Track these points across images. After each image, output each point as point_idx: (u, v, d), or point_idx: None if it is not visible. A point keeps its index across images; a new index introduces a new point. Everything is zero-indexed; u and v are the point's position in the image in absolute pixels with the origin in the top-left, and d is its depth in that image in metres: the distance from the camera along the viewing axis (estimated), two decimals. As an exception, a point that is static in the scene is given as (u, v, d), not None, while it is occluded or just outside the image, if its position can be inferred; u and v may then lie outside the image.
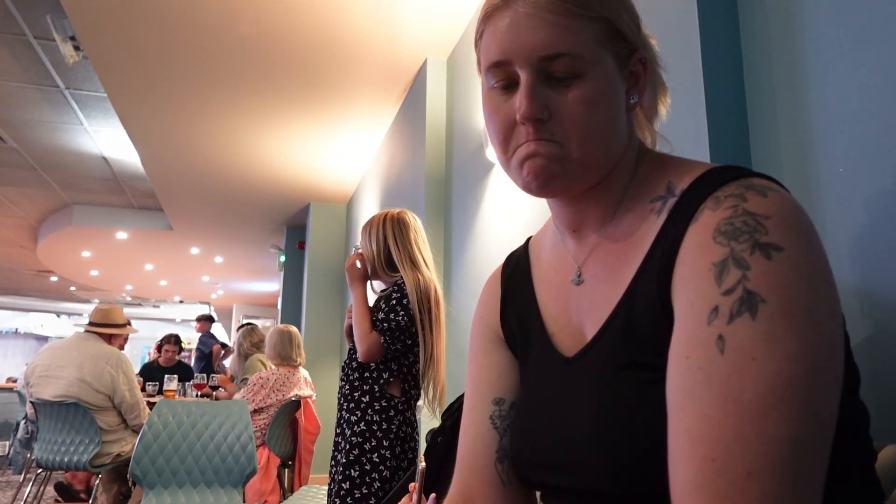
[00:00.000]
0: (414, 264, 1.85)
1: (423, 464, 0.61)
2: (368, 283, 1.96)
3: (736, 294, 0.44)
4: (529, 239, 0.76)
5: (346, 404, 1.82)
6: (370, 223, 1.94)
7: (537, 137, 0.56)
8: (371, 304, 1.89)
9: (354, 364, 1.85)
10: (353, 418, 1.78)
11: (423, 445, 1.95)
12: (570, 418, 0.56)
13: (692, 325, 0.46)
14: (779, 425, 0.40)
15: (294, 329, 3.57)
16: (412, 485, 0.64)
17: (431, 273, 1.89)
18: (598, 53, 0.56)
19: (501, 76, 0.58)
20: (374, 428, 1.75)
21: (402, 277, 1.83)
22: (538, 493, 0.68)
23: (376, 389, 1.79)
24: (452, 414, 1.15)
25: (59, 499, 3.85)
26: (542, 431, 0.60)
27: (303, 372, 3.55)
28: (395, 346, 1.78)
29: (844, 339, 0.48)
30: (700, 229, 0.49)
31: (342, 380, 1.89)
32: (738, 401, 0.41)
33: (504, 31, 0.57)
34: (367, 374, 1.81)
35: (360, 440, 1.74)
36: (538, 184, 0.57)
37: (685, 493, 0.42)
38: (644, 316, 0.53)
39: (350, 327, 1.86)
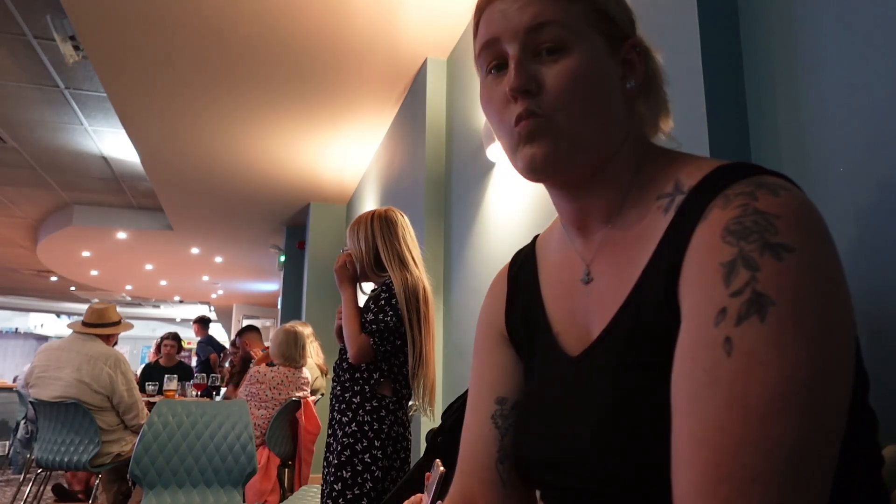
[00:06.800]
0: (402, 263, 1.84)
1: (443, 468, 0.59)
2: (358, 284, 1.94)
3: (744, 296, 0.43)
4: (537, 237, 0.75)
5: (337, 405, 1.82)
6: (357, 223, 1.91)
7: (528, 113, 0.56)
8: (361, 304, 1.88)
9: (345, 365, 1.84)
10: (345, 419, 1.77)
11: (422, 446, 1.95)
12: (574, 418, 0.56)
13: (698, 326, 0.45)
14: (785, 431, 0.39)
15: (300, 330, 3.56)
16: (428, 474, 0.63)
17: (420, 271, 1.87)
18: (585, 30, 0.57)
19: (492, 56, 0.60)
20: (366, 428, 1.74)
21: (390, 277, 1.82)
22: (538, 494, 0.68)
23: (367, 390, 1.78)
24: (452, 413, 1.15)
25: (58, 499, 3.85)
26: (545, 430, 0.59)
27: (306, 373, 3.55)
28: (385, 347, 1.78)
29: (855, 343, 0.46)
30: (709, 228, 0.48)
31: (333, 381, 1.88)
32: (744, 405, 0.40)
33: (494, 16, 0.59)
34: (357, 375, 1.81)
35: (351, 441, 1.74)
36: (535, 165, 0.57)
37: (687, 497, 0.41)
38: (650, 316, 0.52)
39: (340, 328, 1.86)
